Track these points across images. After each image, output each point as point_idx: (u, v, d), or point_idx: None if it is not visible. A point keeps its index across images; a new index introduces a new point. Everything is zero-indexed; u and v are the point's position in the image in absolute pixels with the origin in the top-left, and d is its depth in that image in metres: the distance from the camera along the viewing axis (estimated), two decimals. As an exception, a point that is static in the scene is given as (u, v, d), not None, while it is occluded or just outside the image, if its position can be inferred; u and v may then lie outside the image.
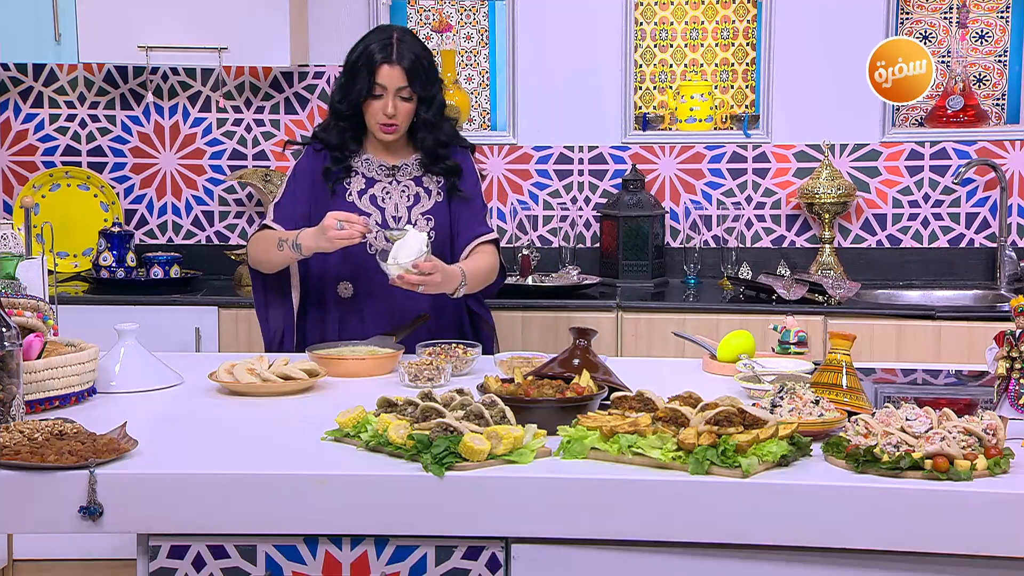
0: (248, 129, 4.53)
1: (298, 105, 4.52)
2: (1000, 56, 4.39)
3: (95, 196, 4.52)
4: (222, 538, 2.07)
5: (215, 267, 4.46)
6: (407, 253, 2.88)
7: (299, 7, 4.33)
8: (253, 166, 4.53)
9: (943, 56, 4.39)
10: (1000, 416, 2.12)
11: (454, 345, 2.90)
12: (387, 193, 3.16)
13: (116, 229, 4.34)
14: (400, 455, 2.11)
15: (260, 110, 4.52)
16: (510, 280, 4.23)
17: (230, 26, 4.14)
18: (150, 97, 4.48)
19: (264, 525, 2.05)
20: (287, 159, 4.50)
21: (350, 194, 3.16)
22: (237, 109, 4.51)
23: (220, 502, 2.04)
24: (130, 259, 4.32)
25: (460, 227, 3.20)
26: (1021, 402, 2.14)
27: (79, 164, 4.54)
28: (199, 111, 4.52)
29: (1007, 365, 2.16)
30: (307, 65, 4.48)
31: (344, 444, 2.22)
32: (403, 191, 3.16)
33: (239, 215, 4.59)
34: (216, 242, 4.58)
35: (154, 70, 4.47)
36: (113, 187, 4.52)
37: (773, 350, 2.96)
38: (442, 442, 2.07)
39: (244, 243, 4.55)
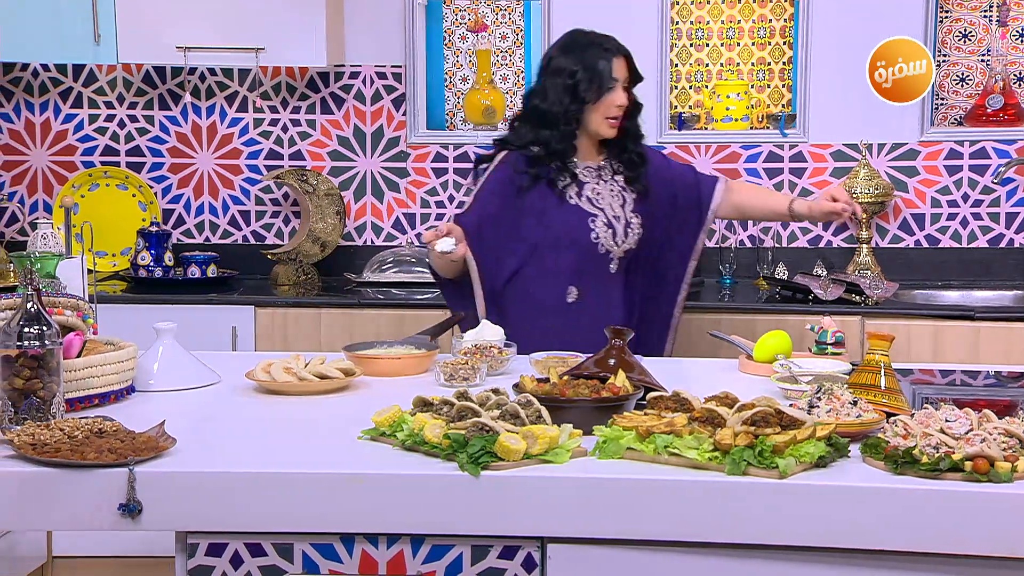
0: (284, 129, 4.55)
1: (334, 105, 4.54)
2: (1041, 54, 4.35)
3: (133, 196, 4.56)
4: (259, 536, 2.07)
5: (252, 266, 4.48)
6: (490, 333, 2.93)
7: (335, 7, 4.34)
8: (290, 166, 4.55)
9: (983, 55, 4.35)
10: (1041, 418, 2.10)
11: (490, 345, 2.90)
12: (598, 194, 3.25)
13: (154, 229, 4.37)
14: (436, 454, 2.11)
15: (296, 110, 4.54)
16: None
17: (266, 27, 4.16)
18: (188, 97, 4.51)
19: (301, 524, 2.05)
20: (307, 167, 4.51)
21: (571, 197, 3.23)
22: (274, 109, 4.54)
23: (257, 500, 2.04)
24: (168, 258, 4.35)
25: (703, 191, 3.37)
26: (1062, 404, 2.12)
27: (118, 164, 4.58)
28: (236, 111, 4.55)
29: (1048, 366, 2.14)
30: (343, 65, 4.50)
31: (380, 443, 2.22)
32: (611, 191, 3.27)
33: (275, 215, 4.61)
34: (253, 242, 4.61)
35: (192, 70, 4.51)
36: (151, 187, 4.56)
37: (810, 350, 2.93)
38: (478, 441, 2.07)
39: (280, 243, 4.58)
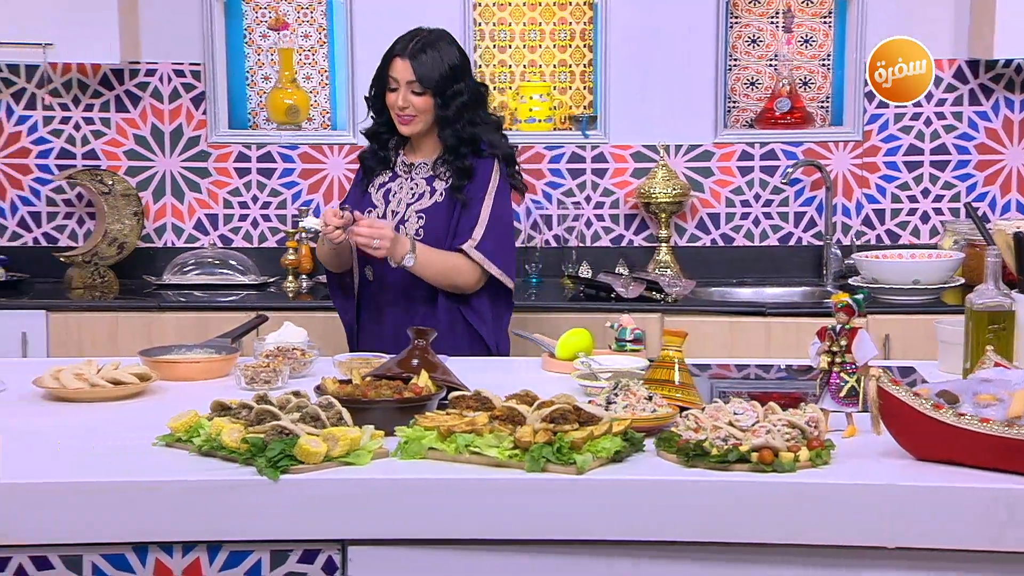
0: (77, 127, 4.40)
1: (130, 103, 4.41)
2: (824, 60, 4.55)
3: (-87, 196, 4.33)
4: (46, 548, 2.00)
5: (44, 269, 4.32)
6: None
7: (129, 3, 4.22)
8: (83, 165, 4.40)
9: (771, 60, 4.53)
10: (822, 409, 2.20)
11: (292, 347, 2.86)
12: (400, 187, 3.25)
13: (-64, 231, 4.17)
14: (234, 459, 2.07)
15: (90, 108, 4.39)
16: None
17: (55, 22, 4.03)
18: (-30, 94, 4.32)
19: (91, 534, 1.99)
20: (115, 162, 4.39)
21: (373, 185, 3.28)
22: (65, 107, 4.38)
23: (44, 511, 1.97)
24: (-49, 262, 4.15)
25: (458, 232, 3.18)
26: (842, 395, 2.22)
27: None
28: (24, 108, 4.37)
29: (828, 359, 2.24)
30: (138, 62, 4.37)
31: (176, 449, 2.17)
32: (412, 188, 3.23)
33: (69, 216, 4.45)
34: (44, 244, 4.44)
35: (-25, 65, 4.31)
36: (-67, 187, 4.34)
37: (611, 348, 3.00)
38: (277, 445, 2.04)
39: (75, 245, 4.42)
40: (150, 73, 4.39)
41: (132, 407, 2.52)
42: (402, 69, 3.17)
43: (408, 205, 3.23)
